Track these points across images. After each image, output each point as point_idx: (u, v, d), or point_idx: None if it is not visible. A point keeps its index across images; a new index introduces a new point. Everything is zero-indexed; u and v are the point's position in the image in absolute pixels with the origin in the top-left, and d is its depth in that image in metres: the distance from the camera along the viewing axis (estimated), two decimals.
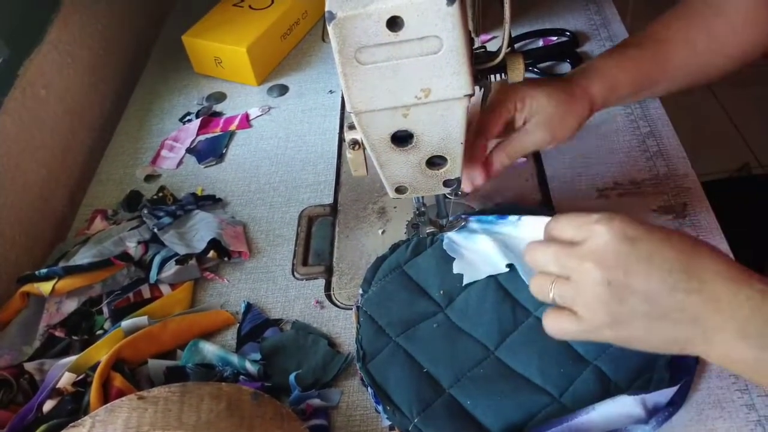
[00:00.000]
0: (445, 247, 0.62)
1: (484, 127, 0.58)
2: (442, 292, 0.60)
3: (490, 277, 0.60)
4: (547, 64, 0.84)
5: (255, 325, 0.61)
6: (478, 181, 0.59)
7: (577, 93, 0.60)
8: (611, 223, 0.44)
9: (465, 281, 0.60)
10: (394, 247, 0.64)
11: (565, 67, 0.83)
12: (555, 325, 0.47)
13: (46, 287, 0.62)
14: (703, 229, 0.61)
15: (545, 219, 0.53)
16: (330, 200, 0.72)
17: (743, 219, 0.89)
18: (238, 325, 0.62)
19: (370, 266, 0.63)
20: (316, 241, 0.69)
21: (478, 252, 0.62)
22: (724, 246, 0.60)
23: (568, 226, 0.47)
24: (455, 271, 0.61)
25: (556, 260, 0.46)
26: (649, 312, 0.43)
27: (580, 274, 0.44)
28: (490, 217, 0.62)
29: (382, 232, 0.68)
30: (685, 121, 0.79)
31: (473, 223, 0.63)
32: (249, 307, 0.63)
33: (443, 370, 0.55)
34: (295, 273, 0.66)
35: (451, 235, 0.63)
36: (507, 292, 0.59)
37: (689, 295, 0.42)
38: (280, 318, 0.62)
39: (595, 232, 0.44)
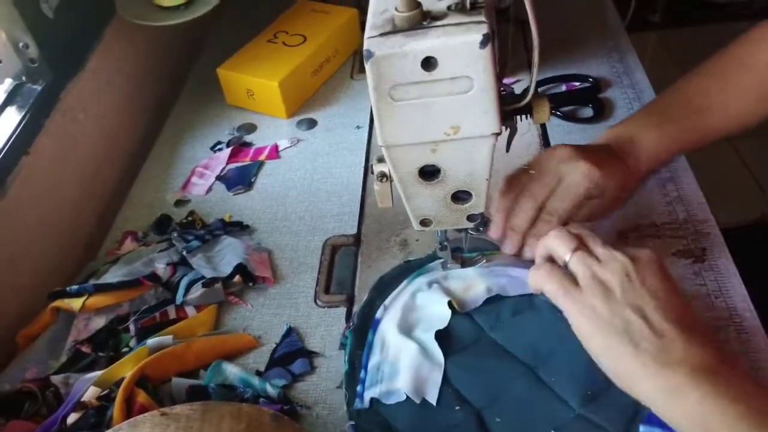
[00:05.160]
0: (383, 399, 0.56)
1: (568, 215, 0.61)
2: (458, 407, 0.55)
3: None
4: (570, 108, 0.86)
5: (289, 351, 0.62)
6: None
7: (633, 177, 0.67)
8: (657, 253, 0.50)
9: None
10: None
11: (587, 112, 0.85)
12: (543, 273, 0.52)
13: (76, 303, 0.64)
14: (722, 274, 0.62)
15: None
16: (354, 231, 0.74)
17: (764, 268, 0.89)
18: (259, 348, 0.63)
19: None
20: (338, 270, 0.71)
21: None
22: (741, 290, 0.60)
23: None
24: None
25: (601, 244, 0.51)
26: (631, 321, 0.47)
27: (610, 257, 0.50)
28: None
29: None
30: (702, 170, 0.80)
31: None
32: (289, 331, 0.64)
33: None
34: (317, 300, 0.67)
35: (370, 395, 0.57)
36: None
37: (672, 327, 0.46)
38: (316, 351, 0.62)
39: (641, 250, 0.50)
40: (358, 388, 0.57)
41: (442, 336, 0.58)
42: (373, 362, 0.58)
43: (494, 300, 0.61)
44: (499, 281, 0.62)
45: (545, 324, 0.59)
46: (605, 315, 0.48)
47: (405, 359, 0.57)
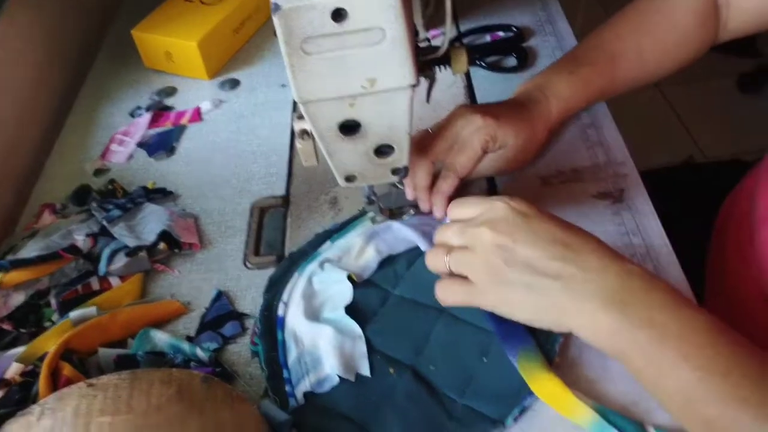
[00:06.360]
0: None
1: (467, 170, 0.62)
2: (392, 370, 0.55)
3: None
4: (494, 58, 0.87)
5: (219, 315, 0.61)
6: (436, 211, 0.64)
7: (539, 125, 0.66)
8: (509, 200, 0.50)
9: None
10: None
11: (511, 61, 0.85)
12: (446, 291, 0.52)
13: None
14: (639, 212, 0.64)
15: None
16: (282, 192, 0.73)
17: (687, 208, 0.92)
18: (189, 314, 0.62)
19: None
20: (267, 232, 0.70)
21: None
22: (658, 228, 0.63)
23: (470, 204, 0.53)
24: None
25: (459, 232, 0.51)
26: (529, 279, 0.47)
27: (475, 239, 0.50)
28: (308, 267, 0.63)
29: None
30: (631, 117, 0.82)
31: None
32: (219, 295, 0.63)
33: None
34: (246, 263, 0.67)
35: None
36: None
37: (565, 263, 0.47)
38: (246, 313, 0.62)
39: (494, 206, 0.50)
40: (287, 388, 0.55)
41: (351, 310, 0.58)
42: (292, 358, 0.56)
43: (387, 261, 0.63)
44: (386, 238, 0.63)
45: None
46: (508, 292, 0.48)
47: (323, 344, 0.56)
